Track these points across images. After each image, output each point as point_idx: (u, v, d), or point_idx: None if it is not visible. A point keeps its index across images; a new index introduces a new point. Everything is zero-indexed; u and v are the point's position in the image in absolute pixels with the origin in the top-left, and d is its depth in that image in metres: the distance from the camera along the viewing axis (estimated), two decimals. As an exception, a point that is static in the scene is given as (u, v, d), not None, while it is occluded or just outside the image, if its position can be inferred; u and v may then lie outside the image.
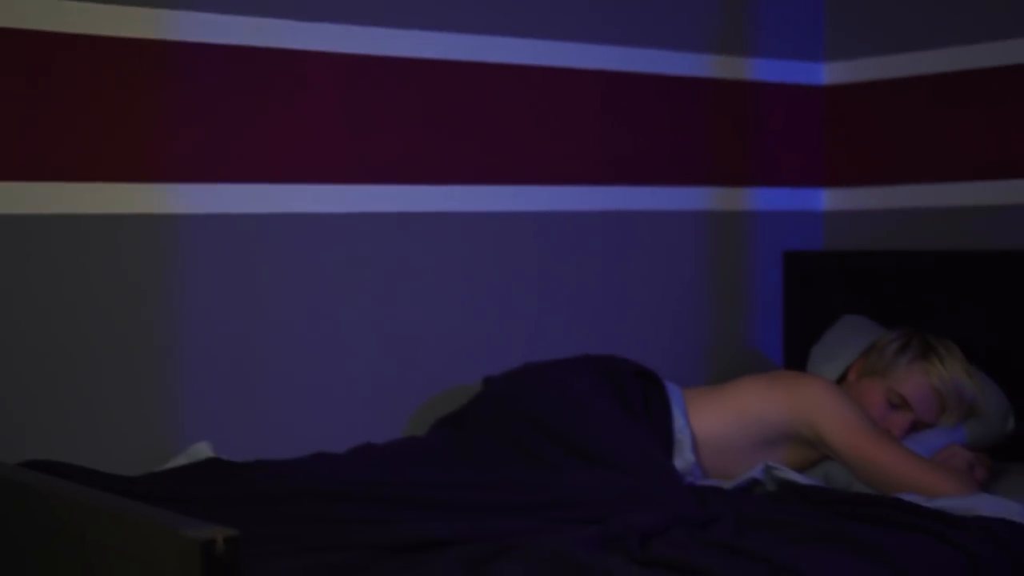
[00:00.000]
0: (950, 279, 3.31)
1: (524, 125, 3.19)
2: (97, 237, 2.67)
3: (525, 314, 3.21)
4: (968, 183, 3.39)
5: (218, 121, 2.79)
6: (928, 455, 2.79)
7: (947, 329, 3.01)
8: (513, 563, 2.06)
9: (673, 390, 2.85)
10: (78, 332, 2.66)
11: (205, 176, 2.78)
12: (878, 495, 2.55)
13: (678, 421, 2.78)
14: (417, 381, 3.04)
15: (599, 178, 3.31)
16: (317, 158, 2.91)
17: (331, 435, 2.89)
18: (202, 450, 2.64)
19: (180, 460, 2.62)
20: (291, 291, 2.89)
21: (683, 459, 2.74)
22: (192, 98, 2.75)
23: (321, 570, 2.03)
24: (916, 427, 2.88)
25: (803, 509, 2.45)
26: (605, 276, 3.33)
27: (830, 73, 3.69)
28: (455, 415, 2.84)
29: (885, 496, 2.52)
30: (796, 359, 3.54)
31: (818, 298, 3.57)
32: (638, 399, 2.78)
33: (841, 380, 3.03)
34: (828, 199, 3.71)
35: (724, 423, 2.81)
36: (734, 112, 3.54)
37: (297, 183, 2.88)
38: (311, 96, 2.90)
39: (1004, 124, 3.32)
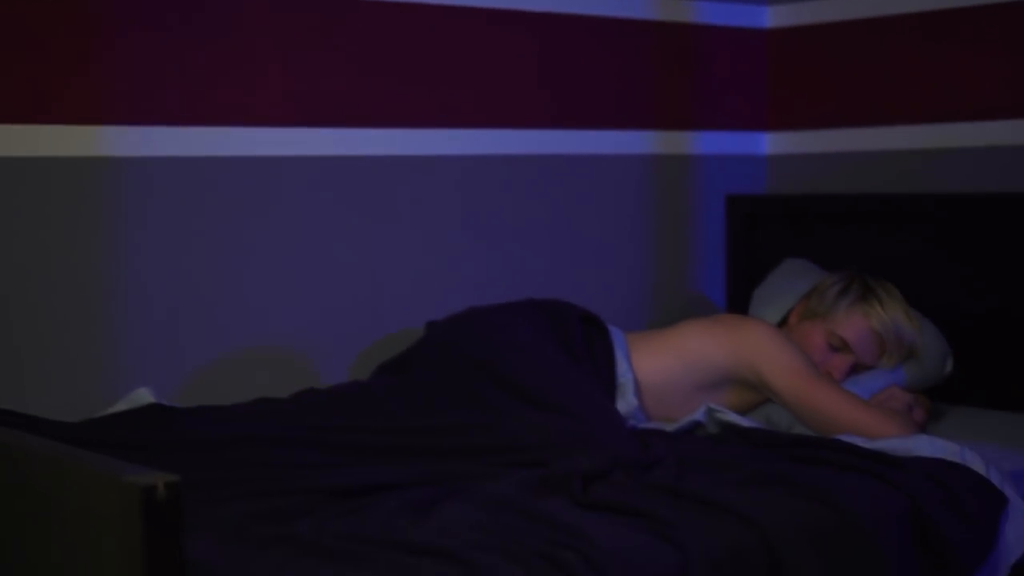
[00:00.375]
0: (891, 222, 3.33)
1: (465, 68, 3.17)
2: (32, 181, 2.64)
3: (469, 258, 3.20)
4: (909, 126, 3.40)
5: (154, 64, 2.75)
6: (868, 397, 2.81)
7: (888, 272, 3.03)
8: (456, 507, 2.07)
9: (616, 334, 2.86)
10: (14, 279, 2.63)
11: (141, 119, 2.74)
12: (819, 437, 2.57)
13: (621, 365, 2.79)
14: (360, 326, 3.03)
15: (541, 122, 3.30)
16: (255, 101, 2.88)
17: (273, 380, 2.88)
18: (143, 396, 2.62)
19: (121, 406, 2.60)
20: (230, 236, 2.87)
21: (626, 402, 2.75)
22: (128, 41, 2.71)
23: (264, 515, 2.03)
24: (856, 369, 2.91)
25: (745, 451, 2.47)
26: (548, 220, 3.33)
27: (773, 16, 3.69)
28: (398, 359, 2.84)
29: (826, 438, 2.54)
30: (738, 302, 3.55)
31: (760, 241, 3.59)
32: (581, 343, 2.78)
33: (783, 323, 3.05)
34: (771, 143, 3.72)
35: (666, 366, 2.82)
36: (677, 55, 3.53)
37: (235, 126, 2.85)
38: (248, 39, 2.86)
39: (946, 67, 3.33)
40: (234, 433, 2.40)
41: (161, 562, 1.44)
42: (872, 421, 2.62)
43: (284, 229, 2.93)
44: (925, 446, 2.46)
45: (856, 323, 2.88)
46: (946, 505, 2.28)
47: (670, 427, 2.69)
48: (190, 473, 2.08)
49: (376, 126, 3.04)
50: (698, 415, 2.68)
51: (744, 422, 2.62)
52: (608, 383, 2.75)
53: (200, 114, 2.81)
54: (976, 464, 2.40)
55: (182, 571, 1.47)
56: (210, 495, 2.11)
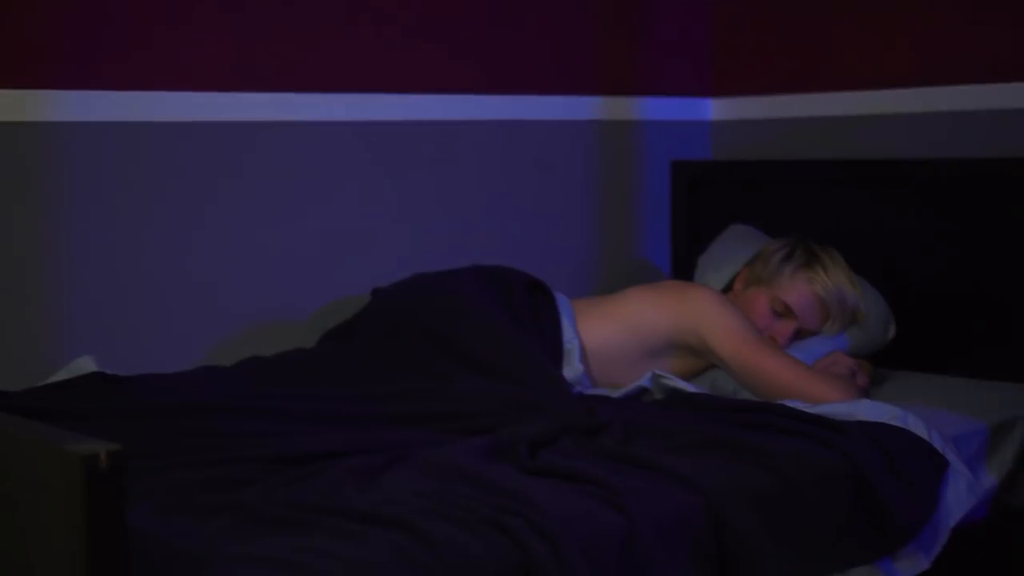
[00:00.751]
0: (835, 188, 3.34)
1: (408, 33, 3.15)
2: (-28, 147, 2.61)
3: (414, 225, 3.19)
4: (852, 92, 3.41)
5: (92, 27, 2.71)
6: (811, 362, 2.83)
7: (832, 238, 3.05)
8: (403, 474, 2.07)
9: (562, 300, 2.86)
10: (-46, 245, 2.60)
11: (79, 83, 2.71)
12: (763, 402, 2.58)
13: (567, 331, 2.79)
14: (305, 292, 3.02)
15: (486, 87, 3.29)
16: (196, 65, 2.85)
17: (217, 348, 2.86)
18: (84, 364, 2.59)
19: (62, 375, 2.58)
20: (173, 202, 2.84)
21: (572, 369, 2.76)
22: (68, 3, 2.68)
23: (209, 483, 2.02)
24: (800, 335, 2.92)
25: (690, 417, 2.48)
26: (493, 186, 3.32)
27: (718, -18, 3.70)
28: (344, 326, 2.83)
29: (770, 403, 2.56)
30: (684, 269, 3.56)
31: (706, 207, 3.59)
32: (527, 309, 2.78)
33: (727, 289, 3.06)
34: (715, 108, 3.72)
35: (612, 333, 2.83)
36: (622, 20, 3.52)
37: (176, 91, 2.82)
38: (190, 1, 2.83)
39: (886, 34, 3.35)
40: (177, 401, 2.39)
41: (104, 532, 1.43)
42: (816, 386, 2.64)
43: (226, 195, 2.91)
44: (868, 410, 2.48)
45: (800, 289, 2.90)
46: (888, 469, 2.30)
47: (616, 393, 2.70)
48: (133, 442, 2.07)
49: (317, 91, 3.01)
50: (644, 381, 2.68)
51: (689, 388, 2.63)
52: (554, 349, 2.75)
53: (140, 78, 2.78)
54: (918, 428, 2.42)
55: (125, 540, 1.46)
56: (153, 464, 2.10)
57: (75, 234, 2.72)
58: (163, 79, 2.80)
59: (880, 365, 3.07)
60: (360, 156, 3.10)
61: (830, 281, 2.90)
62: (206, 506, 1.89)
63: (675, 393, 2.63)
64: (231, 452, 2.17)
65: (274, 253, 2.98)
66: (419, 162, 3.19)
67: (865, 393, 2.77)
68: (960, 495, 2.39)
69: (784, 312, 2.90)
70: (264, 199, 2.96)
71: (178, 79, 2.82)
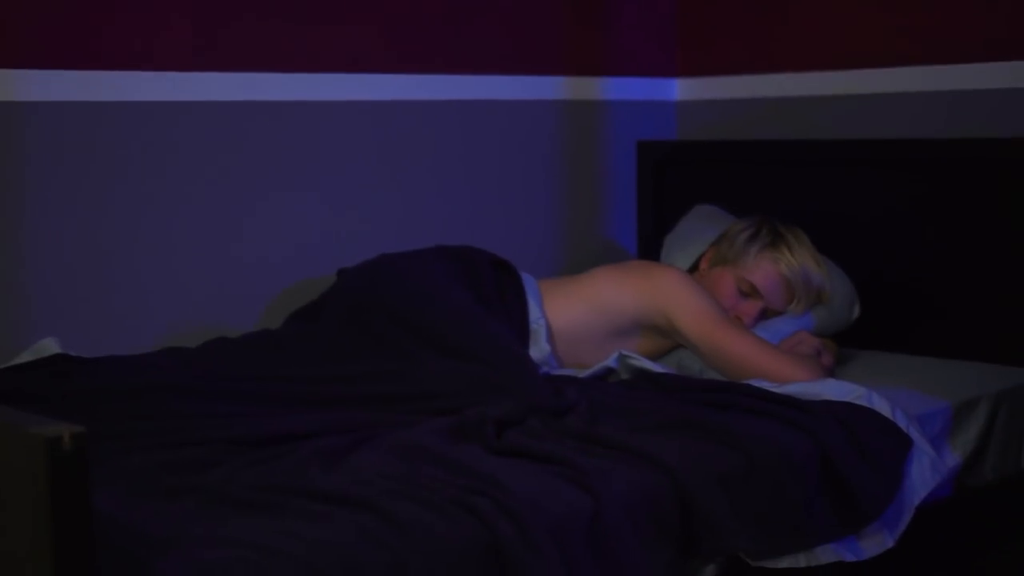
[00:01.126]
0: (801, 168, 3.35)
1: (371, 12, 3.13)
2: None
3: (379, 205, 3.18)
4: (819, 73, 3.42)
5: (52, 5, 2.69)
6: (777, 342, 2.84)
7: (797, 218, 3.05)
8: (368, 455, 2.07)
9: (528, 280, 2.86)
10: (-85, 226, 2.58)
11: (39, 63, 2.68)
12: (729, 382, 2.59)
13: (533, 311, 2.79)
14: (269, 274, 3.01)
15: (451, 67, 3.28)
16: (157, 45, 2.83)
17: (182, 330, 2.85)
18: (48, 346, 2.58)
19: (25, 356, 2.56)
20: (138, 182, 2.82)
21: (538, 349, 2.76)
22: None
23: (174, 466, 2.01)
24: (766, 315, 2.93)
25: (656, 397, 2.48)
26: (459, 167, 3.32)
27: (683, -38, 3.70)
28: (309, 308, 2.82)
29: (735, 383, 2.56)
30: (650, 249, 3.57)
31: (671, 188, 3.60)
32: (493, 289, 2.78)
33: (693, 269, 3.06)
34: (681, 89, 3.72)
35: (578, 313, 2.83)
36: (587, 1, 3.52)
37: (136, 71, 2.80)
38: (155, -19, 2.82)
39: (852, 15, 3.35)
40: (142, 383, 2.37)
41: (68, 514, 1.43)
42: (781, 366, 2.65)
43: (188, 176, 2.89)
44: (833, 390, 2.49)
45: (765, 269, 2.90)
46: (853, 448, 2.31)
47: (582, 373, 2.70)
48: (97, 424, 2.06)
49: (279, 71, 3.00)
50: (610, 361, 2.69)
51: (656, 368, 2.64)
52: (520, 329, 2.75)
53: (100, 58, 2.75)
54: (882, 407, 2.43)
55: (89, 523, 1.45)
56: (118, 446, 2.09)
57: (37, 215, 2.69)
58: (125, 59, 2.78)
59: (845, 345, 3.09)
60: (323, 137, 3.08)
61: (795, 261, 2.91)
62: (171, 488, 1.89)
63: (641, 373, 2.64)
64: (196, 434, 2.16)
65: (237, 234, 2.96)
66: (383, 143, 3.18)
67: (830, 373, 2.78)
68: (924, 474, 2.40)
69: (750, 292, 2.90)
70: (226, 180, 2.94)
71: (140, 59, 2.80)
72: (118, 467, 1.98)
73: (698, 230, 3.25)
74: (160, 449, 2.09)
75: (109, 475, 1.92)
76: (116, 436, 2.14)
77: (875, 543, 2.30)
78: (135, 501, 1.81)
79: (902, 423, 2.42)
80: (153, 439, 2.14)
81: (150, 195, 2.84)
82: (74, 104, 2.72)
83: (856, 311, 3.08)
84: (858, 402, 2.44)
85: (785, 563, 2.15)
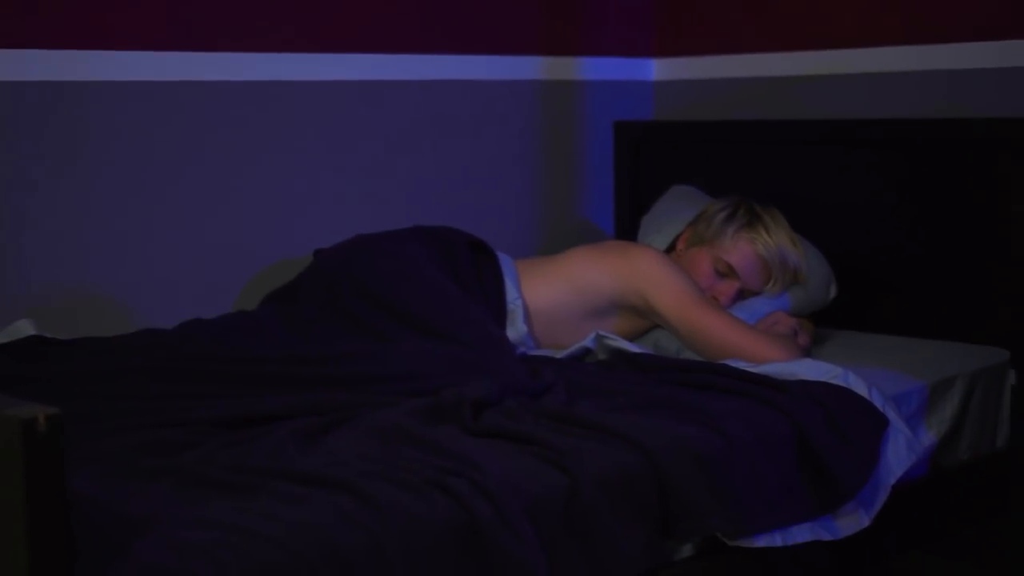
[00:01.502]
0: (777, 148, 3.35)
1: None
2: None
3: (355, 186, 3.17)
4: (796, 53, 3.42)
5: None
6: (753, 322, 2.84)
7: (773, 198, 3.06)
8: (346, 436, 2.07)
9: (505, 261, 2.86)
10: None
11: (15, 42, 2.66)
12: (705, 362, 2.59)
13: (510, 292, 2.79)
14: (246, 255, 3.00)
15: (428, 47, 3.27)
16: (132, 24, 2.81)
17: (159, 311, 2.84)
18: (23, 328, 2.56)
19: (0, 339, 2.55)
20: (113, 163, 2.81)
21: (515, 330, 2.76)
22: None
23: (150, 448, 2.01)
24: (743, 295, 2.94)
25: (633, 377, 2.49)
26: (436, 147, 3.31)
27: (660, -58, 3.69)
28: (286, 289, 2.81)
29: (712, 363, 2.57)
30: (627, 229, 3.57)
31: (648, 168, 3.60)
32: (470, 270, 2.78)
33: (670, 249, 3.07)
34: (658, 69, 3.72)
35: (556, 293, 2.83)
36: (565, -19, 3.52)
37: (112, 50, 2.78)
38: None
39: (830, -6, 3.36)
40: (118, 365, 2.37)
41: (44, 496, 1.42)
42: (758, 346, 2.65)
43: (162, 158, 2.88)
44: (809, 370, 2.50)
45: (742, 249, 2.91)
46: (829, 427, 2.32)
47: (560, 354, 2.70)
48: (73, 406, 2.06)
49: (254, 51, 2.98)
50: (587, 342, 2.69)
51: (633, 348, 2.64)
52: (497, 310, 2.75)
53: (75, 37, 2.74)
54: (859, 387, 2.44)
55: (65, 505, 1.44)
56: (94, 428, 2.08)
57: (9, 195, 2.68)
58: (90, 38, 2.76)
59: (821, 325, 3.10)
60: (298, 117, 3.07)
61: (772, 241, 2.91)
62: (148, 470, 1.88)
63: (619, 354, 2.64)
64: (173, 415, 2.16)
65: (212, 215, 2.95)
66: (358, 123, 3.17)
67: (807, 352, 2.79)
68: (900, 453, 2.41)
69: (727, 272, 2.91)
70: (199, 160, 2.93)
71: (107, 38, 2.78)
72: (94, 449, 1.97)
73: (675, 210, 3.25)
74: (137, 431, 2.09)
75: (85, 457, 1.91)
76: (92, 418, 2.13)
77: (851, 522, 2.30)
78: (112, 483, 1.81)
79: (878, 403, 2.42)
80: (130, 420, 2.13)
81: (125, 177, 2.82)
82: (36, 84, 2.70)
83: (832, 291, 3.09)
84: (834, 382, 2.44)
85: (762, 542, 2.15)
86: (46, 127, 2.72)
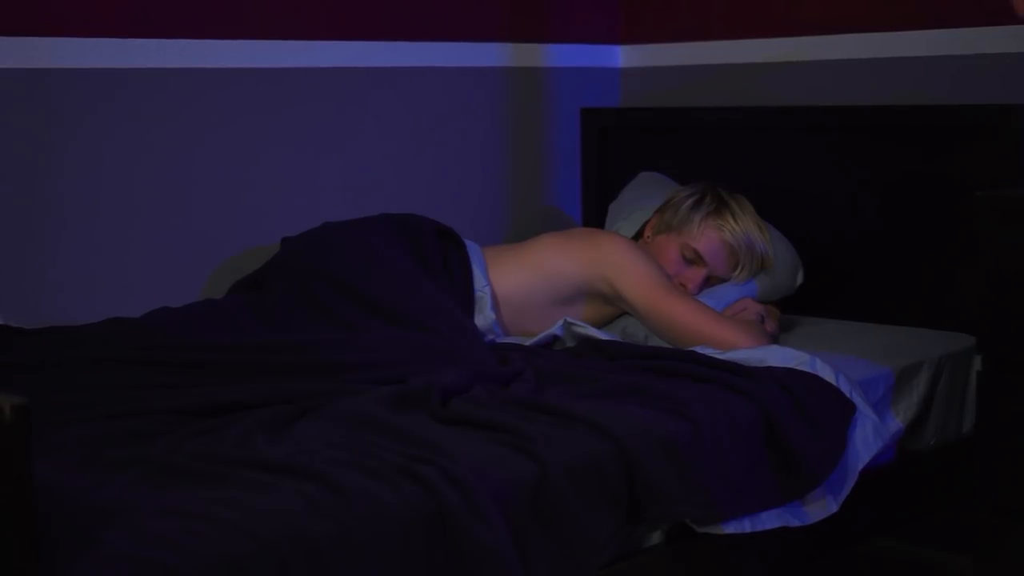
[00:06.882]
0: (744, 135, 3.36)
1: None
2: None
3: (322, 173, 3.16)
4: (760, 40, 3.43)
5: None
6: (721, 308, 2.85)
7: (740, 185, 3.06)
8: (313, 424, 2.06)
9: (473, 248, 2.85)
10: None
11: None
12: (673, 349, 2.60)
13: (478, 279, 2.79)
14: (212, 243, 2.99)
15: (393, 34, 3.26)
16: (94, 10, 2.79)
17: (125, 300, 2.82)
18: (-12, 317, 2.55)
19: (-35, 328, 2.53)
20: (79, 150, 2.79)
21: (484, 317, 2.76)
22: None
23: (117, 437, 2.00)
24: (710, 282, 2.94)
25: (602, 364, 2.49)
26: (402, 134, 3.30)
27: (627, -72, 3.69)
28: (253, 277, 2.80)
29: (680, 349, 2.57)
30: (594, 216, 3.57)
31: (615, 155, 3.60)
32: (438, 257, 2.78)
33: (637, 236, 3.07)
34: (624, 56, 3.72)
35: (523, 280, 2.83)
36: (531, -33, 3.51)
37: (74, 36, 2.76)
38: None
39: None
40: (84, 354, 2.35)
41: (10, 486, 1.41)
42: (725, 332, 2.66)
43: (128, 145, 2.86)
44: (777, 356, 2.50)
45: (709, 236, 2.91)
46: (797, 414, 2.32)
47: (528, 341, 2.70)
48: (39, 395, 2.05)
49: (214, 38, 2.96)
50: (555, 329, 2.69)
51: (601, 335, 2.64)
52: (465, 297, 2.75)
53: (37, 23, 2.71)
54: (826, 373, 2.44)
55: (32, 494, 1.43)
56: (60, 417, 2.07)
57: (-25, 184, 2.66)
58: (61, 24, 2.74)
59: (788, 311, 3.10)
60: (266, 105, 3.06)
61: (739, 228, 2.92)
62: (115, 459, 1.87)
63: (587, 341, 2.64)
64: (140, 405, 2.15)
65: (179, 203, 2.94)
66: (325, 110, 3.15)
67: (774, 339, 2.80)
68: (867, 439, 2.42)
69: (694, 259, 2.91)
70: (167, 148, 2.91)
71: (76, 24, 2.76)
72: (61, 438, 1.96)
73: (642, 197, 3.25)
74: (103, 420, 2.08)
75: (52, 446, 1.90)
76: (58, 407, 2.12)
77: (819, 508, 2.31)
78: (78, 472, 1.80)
79: (845, 389, 2.43)
80: (96, 410, 2.12)
81: (89, 164, 2.81)
82: (8, 71, 2.68)
83: (799, 278, 3.10)
84: (802, 368, 2.45)
85: (731, 529, 2.16)
86: (4, 113, 2.69)
